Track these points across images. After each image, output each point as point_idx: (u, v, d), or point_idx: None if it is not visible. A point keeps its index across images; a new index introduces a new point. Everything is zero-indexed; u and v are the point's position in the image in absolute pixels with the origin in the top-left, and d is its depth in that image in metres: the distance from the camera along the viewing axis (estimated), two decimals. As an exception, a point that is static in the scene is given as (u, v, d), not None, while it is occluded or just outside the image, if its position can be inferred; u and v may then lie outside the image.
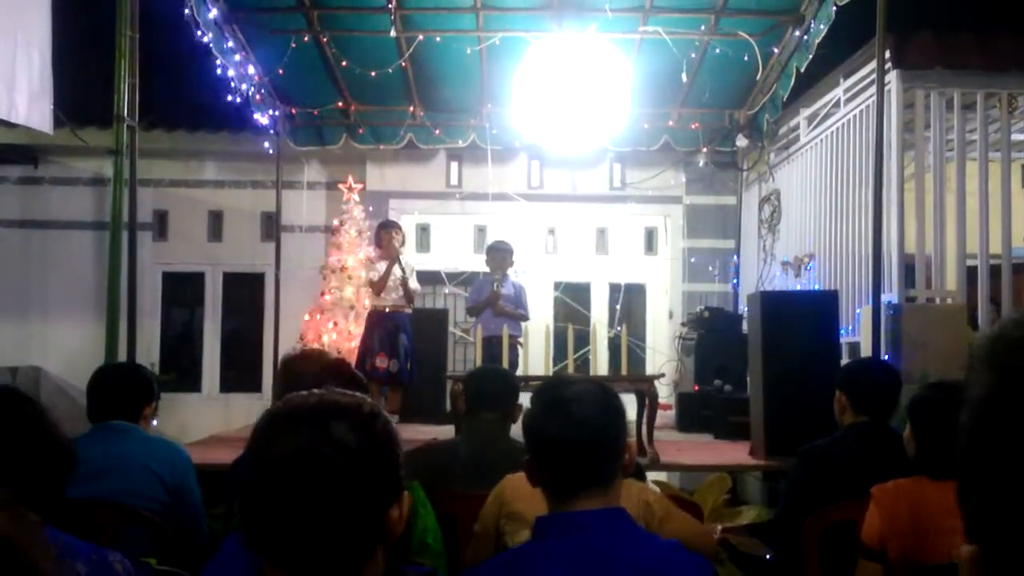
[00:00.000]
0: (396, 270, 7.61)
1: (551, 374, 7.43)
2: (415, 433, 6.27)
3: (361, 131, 9.55)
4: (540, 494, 1.97)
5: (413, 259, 8.76)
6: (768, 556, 3.71)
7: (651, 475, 4.18)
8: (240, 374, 10.95)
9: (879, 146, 5.87)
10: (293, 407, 1.32)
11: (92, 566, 1.78)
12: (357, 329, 9.07)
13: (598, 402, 1.95)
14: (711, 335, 8.50)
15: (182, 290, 11.17)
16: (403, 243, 7.91)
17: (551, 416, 1.94)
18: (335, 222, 10.15)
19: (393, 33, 7.87)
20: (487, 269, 8.43)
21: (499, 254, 8.30)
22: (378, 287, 7.66)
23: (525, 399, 2.62)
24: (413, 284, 7.75)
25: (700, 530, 2.97)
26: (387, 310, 7.68)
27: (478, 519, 2.89)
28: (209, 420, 9.72)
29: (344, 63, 8.48)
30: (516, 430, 2.67)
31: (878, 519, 2.85)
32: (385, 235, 7.75)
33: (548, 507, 1.95)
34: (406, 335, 7.69)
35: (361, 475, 1.26)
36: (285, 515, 1.25)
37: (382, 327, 7.64)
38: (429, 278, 10.31)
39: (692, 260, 10.78)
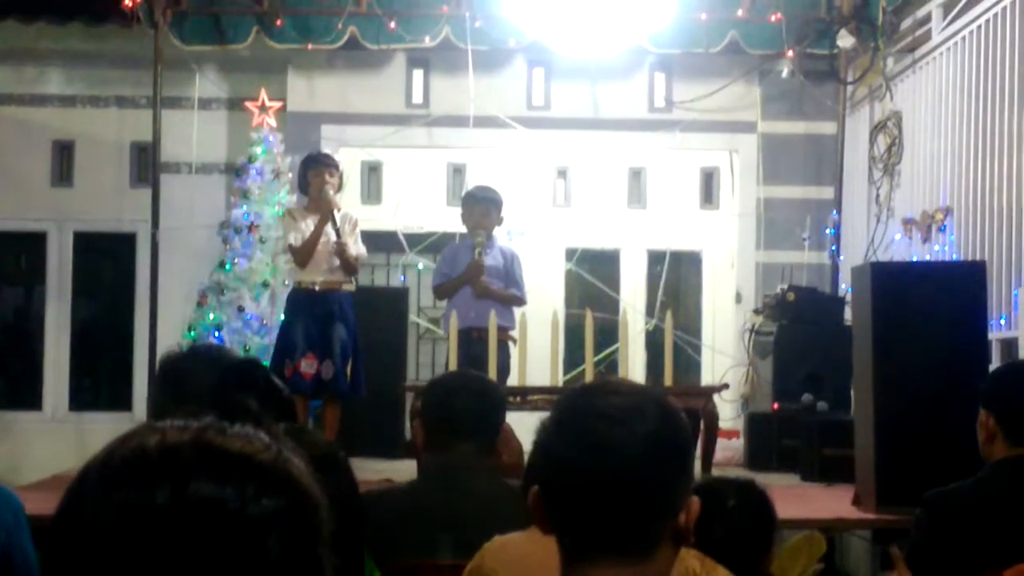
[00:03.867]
0: (330, 230, 7.61)
1: (560, 383, 7.45)
2: (361, 472, 6.26)
3: (280, 23, 9.51)
4: (541, 565, 1.96)
5: (356, 213, 8.73)
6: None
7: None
8: (99, 384, 10.91)
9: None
10: (135, 455, 1.10)
11: None
12: (274, 317, 9.06)
13: (649, 427, 1.89)
14: (798, 328, 8.52)
15: (13, 259, 11.12)
16: (340, 189, 7.87)
17: (572, 434, 1.91)
18: (241, 159, 10.10)
19: None
20: (464, 229, 8.42)
21: (480, 206, 8.27)
22: (303, 255, 7.65)
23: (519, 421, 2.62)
24: (356, 249, 7.74)
25: None
26: (317, 289, 7.67)
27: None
28: (54, 451, 9.69)
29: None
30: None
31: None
32: (314, 177, 7.73)
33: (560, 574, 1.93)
34: (345, 326, 7.68)
35: None
36: None
37: (310, 314, 7.63)
38: (381, 242, 10.28)
39: (770, 217, 10.77)
